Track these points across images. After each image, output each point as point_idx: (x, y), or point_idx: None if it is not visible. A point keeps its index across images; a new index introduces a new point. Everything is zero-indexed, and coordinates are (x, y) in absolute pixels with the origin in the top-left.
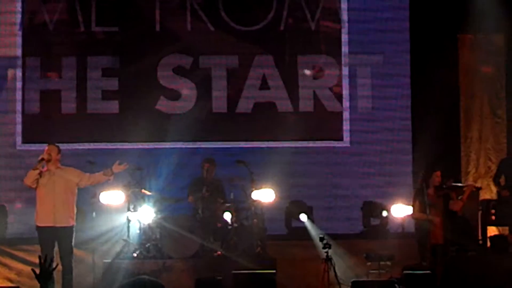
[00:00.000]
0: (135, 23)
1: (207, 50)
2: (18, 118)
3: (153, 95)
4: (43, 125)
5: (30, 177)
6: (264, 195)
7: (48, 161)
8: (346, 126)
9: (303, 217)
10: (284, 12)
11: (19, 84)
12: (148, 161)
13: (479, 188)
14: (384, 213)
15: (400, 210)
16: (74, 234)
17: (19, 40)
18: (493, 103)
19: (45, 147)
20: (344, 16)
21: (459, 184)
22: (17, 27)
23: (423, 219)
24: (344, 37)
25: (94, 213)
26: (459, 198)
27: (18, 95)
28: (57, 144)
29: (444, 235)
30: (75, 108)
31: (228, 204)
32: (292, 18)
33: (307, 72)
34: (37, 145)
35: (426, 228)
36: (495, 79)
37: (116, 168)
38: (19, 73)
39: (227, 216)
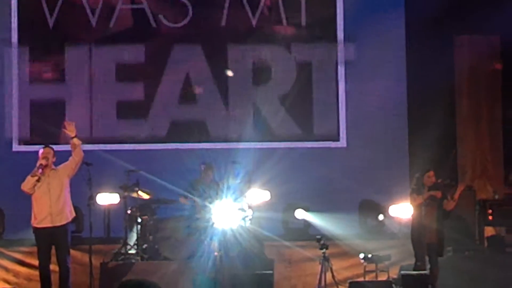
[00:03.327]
0: None
1: None
2: (14, 119)
3: None
4: (39, 127)
5: (28, 184)
6: (261, 195)
7: (46, 166)
8: (342, 126)
9: (299, 213)
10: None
11: (15, 85)
12: (145, 162)
13: (470, 188)
14: (381, 217)
15: (397, 211)
16: (70, 232)
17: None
18: (489, 104)
19: (40, 148)
20: (340, 15)
21: (447, 181)
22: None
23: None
24: (340, 35)
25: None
26: (451, 198)
27: (15, 96)
28: (52, 146)
29: (439, 235)
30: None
31: (225, 205)
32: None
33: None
34: (33, 146)
35: (421, 228)
36: (491, 79)
37: (68, 131)
38: (15, 71)
39: (224, 217)
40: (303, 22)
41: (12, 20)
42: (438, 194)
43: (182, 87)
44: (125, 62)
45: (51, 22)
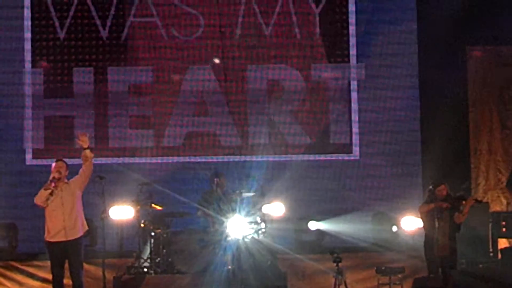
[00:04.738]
0: None
1: None
2: (28, 134)
3: None
4: (52, 141)
5: (41, 197)
6: (274, 209)
7: (59, 179)
8: (355, 139)
9: (313, 224)
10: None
11: (28, 99)
12: (157, 175)
13: (480, 202)
14: (394, 228)
15: (410, 223)
16: (83, 245)
17: (28, 54)
18: (502, 115)
19: (53, 162)
20: (352, 27)
21: (459, 195)
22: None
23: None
24: (352, 50)
25: None
26: (461, 211)
27: (28, 109)
28: (64, 160)
29: (451, 247)
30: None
31: (238, 218)
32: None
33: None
34: (47, 160)
35: (433, 240)
36: (504, 90)
37: (81, 141)
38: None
39: (238, 230)
40: (317, 39)
41: (26, 43)
42: (444, 204)
43: (196, 102)
44: (136, 82)
45: (62, 37)
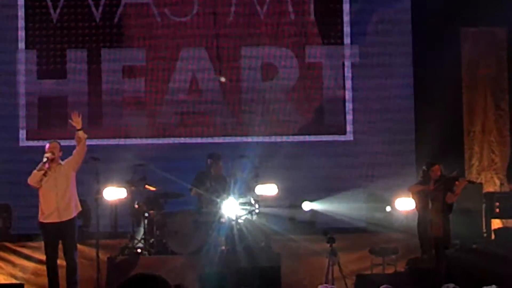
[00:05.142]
0: None
1: None
2: (22, 114)
3: None
4: (46, 122)
5: (35, 178)
6: (268, 189)
7: (52, 160)
8: (349, 118)
9: (306, 205)
10: None
11: (22, 80)
12: (151, 156)
13: (473, 183)
14: (388, 208)
15: (404, 204)
16: (76, 226)
17: (22, 33)
18: (496, 96)
19: (47, 143)
20: (346, 6)
21: (452, 176)
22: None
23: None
24: (346, 29)
25: None
26: (453, 192)
27: (21, 90)
28: (58, 141)
29: (444, 227)
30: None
31: (232, 199)
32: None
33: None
34: (41, 141)
35: (426, 221)
36: (498, 71)
37: (74, 122)
38: (22, 67)
39: (231, 211)
40: (311, 18)
41: (19, 22)
42: (430, 187)
43: (190, 82)
44: (130, 63)
45: (55, 18)
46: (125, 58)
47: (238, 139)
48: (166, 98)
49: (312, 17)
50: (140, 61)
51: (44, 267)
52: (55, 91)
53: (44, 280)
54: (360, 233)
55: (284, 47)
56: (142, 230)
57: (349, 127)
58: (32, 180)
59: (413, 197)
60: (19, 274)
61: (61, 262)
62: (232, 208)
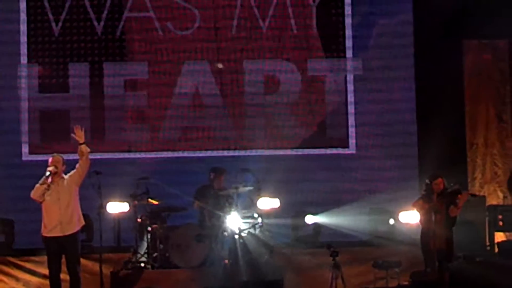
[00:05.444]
0: None
1: None
2: (24, 128)
3: None
4: (49, 136)
5: (37, 192)
6: (270, 203)
7: (55, 173)
8: (351, 132)
9: (309, 218)
10: None
11: (24, 94)
12: (154, 170)
13: (475, 196)
14: (391, 221)
15: (407, 217)
16: (79, 240)
17: (24, 47)
18: (498, 109)
19: (50, 157)
20: (348, 19)
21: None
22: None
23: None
24: (349, 43)
25: None
26: (455, 205)
27: (24, 104)
28: (61, 155)
29: (447, 240)
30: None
31: (235, 213)
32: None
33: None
34: (44, 156)
35: (429, 234)
36: (500, 84)
37: (76, 136)
38: (24, 81)
39: (234, 224)
40: (313, 32)
41: (21, 37)
42: (432, 203)
43: (192, 96)
44: (132, 77)
45: (57, 32)
46: (127, 71)
47: (241, 152)
48: (168, 112)
49: (315, 30)
50: (142, 74)
51: (47, 282)
52: (57, 105)
53: None
54: (364, 246)
55: (287, 61)
56: (145, 244)
57: (351, 140)
58: (34, 194)
59: (417, 211)
60: None
61: (64, 276)
62: (235, 222)
